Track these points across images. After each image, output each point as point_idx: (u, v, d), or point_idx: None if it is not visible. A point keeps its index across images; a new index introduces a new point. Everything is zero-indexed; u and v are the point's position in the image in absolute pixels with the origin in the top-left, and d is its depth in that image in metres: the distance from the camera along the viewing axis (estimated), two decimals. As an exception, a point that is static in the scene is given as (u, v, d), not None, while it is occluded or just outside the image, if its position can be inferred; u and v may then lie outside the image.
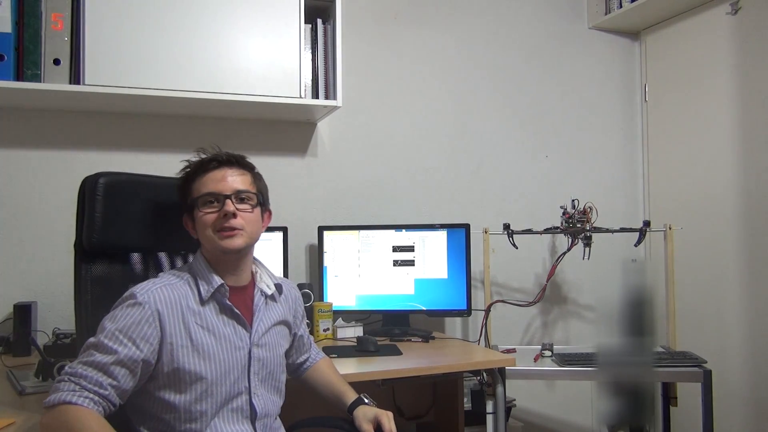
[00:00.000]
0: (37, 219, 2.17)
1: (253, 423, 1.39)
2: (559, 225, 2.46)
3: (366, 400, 1.52)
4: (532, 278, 2.83)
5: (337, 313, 2.31)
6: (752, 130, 2.51)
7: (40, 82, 1.91)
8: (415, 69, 2.71)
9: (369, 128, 2.64)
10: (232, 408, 1.36)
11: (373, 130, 2.64)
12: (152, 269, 1.52)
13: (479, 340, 2.47)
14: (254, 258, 1.49)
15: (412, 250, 2.39)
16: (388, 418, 1.45)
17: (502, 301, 2.59)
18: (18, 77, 1.89)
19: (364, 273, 2.38)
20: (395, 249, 2.39)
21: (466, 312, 2.38)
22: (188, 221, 1.43)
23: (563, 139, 2.94)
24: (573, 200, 2.45)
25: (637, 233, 2.40)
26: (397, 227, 2.41)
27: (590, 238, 2.40)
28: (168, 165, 2.27)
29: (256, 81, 2.14)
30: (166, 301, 1.30)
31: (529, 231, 2.49)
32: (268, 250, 2.23)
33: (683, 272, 2.61)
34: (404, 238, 2.39)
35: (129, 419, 1.33)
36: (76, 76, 1.95)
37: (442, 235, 2.39)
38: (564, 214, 2.45)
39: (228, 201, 1.36)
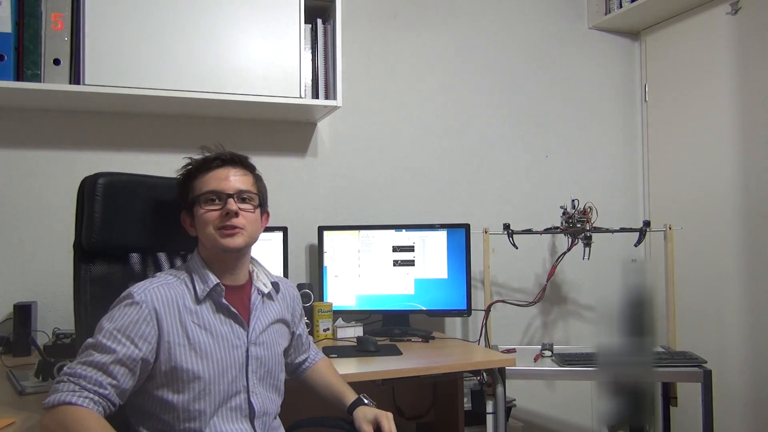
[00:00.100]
0: (38, 219, 2.17)
1: (252, 422, 1.39)
2: (559, 225, 2.46)
3: (365, 401, 1.52)
4: (532, 278, 2.83)
5: (337, 313, 2.31)
6: (752, 130, 2.51)
7: (40, 82, 1.91)
8: (415, 69, 2.71)
9: (369, 128, 2.64)
10: (231, 407, 1.36)
11: (373, 130, 2.64)
12: (151, 269, 1.53)
13: (479, 340, 2.47)
14: (251, 257, 1.49)
15: (412, 250, 2.39)
16: (387, 420, 1.45)
17: (502, 301, 2.59)
18: (18, 77, 1.90)
19: (364, 273, 2.38)
20: (395, 249, 2.39)
21: (466, 312, 2.38)
22: (186, 218, 1.43)
23: (563, 139, 2.94)
24: (573, 200, 2.45)
25: (637, 233, 2.40)
26: (397, 227, 2.41)
27: (590, 238, 2.40)
28: (168, 165, 2.28)
29: (256, 81, 2.14)
30: (163, 299, 1.30)
31: (529, 231, 2.49)
32: (268, 250, 2.23)
33: (683, 272, 2.61)
34: (404, 238, 2.39)
35: (128, 419, 1.33)
36: (76, 76, 1.95)
37: (442, 235, 2.39)
38: (564, 214, 2.45)
39: (230, 200, 1.37)
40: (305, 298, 2.26)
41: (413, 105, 2.70)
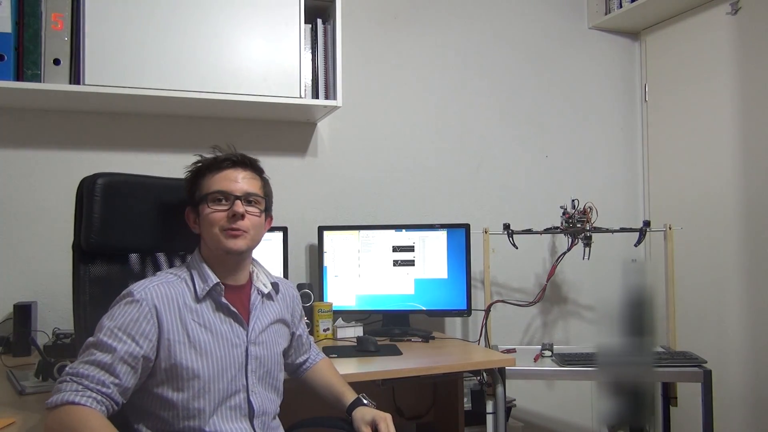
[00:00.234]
0: (38, 219, 2.17)
1: (251, 421, 1.39)
2: (559, 225, 2.46)
3: (365, 401, 1.52)
4: (532, 278, 2.83)
5: (337, 313, 2.31)
6: (752, 129, 2.51)
7: (40, 82, 1.91)
8: (415, 69, 2.71)
9: (369, 128, 2.64)
10: (230, 406, 1.36)
11: (373, 130, 2.64)
12: (150, 269, 1.53)
13: (479, 340, 2.47)
14: (252, 258, 1.50)
15: (412, 250, 2.39)
16: (385, 423, 1.44)
17: (502, 301, 2.59)
18: (18, 77, 1.89)
19: (364, 273, 2.38)
20: (395, 249, 2.39)
21: (466, 312, 2.38)
22: (191, 215, 1.44)
23: (563, 139, 2.94)
24: (573, 200, 2.45)
25: (637, 233, 2.40)
26: (397, 227, 2.41)
27: (590, 238, 2.40)
28: (167, 165, 2.31)
29: (256, 81, 2.14)
30: (163, 297, 1.31)
31: (529, 231, 2.49)
32: (268, 250, 2.23)
33: (683, 272, 2.61)
34: (404, 238, 2.39)
35: (127, 418, 1.33)
36: (76, 76, 1.95)
37: (442, 235, 2.39)
38: (564, 214, 2.45)
39: (238, 202, 1.37)
40: (305, 298, 2.26)
41: (413, 105, 2.70)
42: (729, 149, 2.59)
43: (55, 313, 2.15)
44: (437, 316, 2.52)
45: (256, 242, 1.43)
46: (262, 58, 2.14)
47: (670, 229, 2.44)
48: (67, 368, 1.24)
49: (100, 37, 1.96)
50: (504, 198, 2.83)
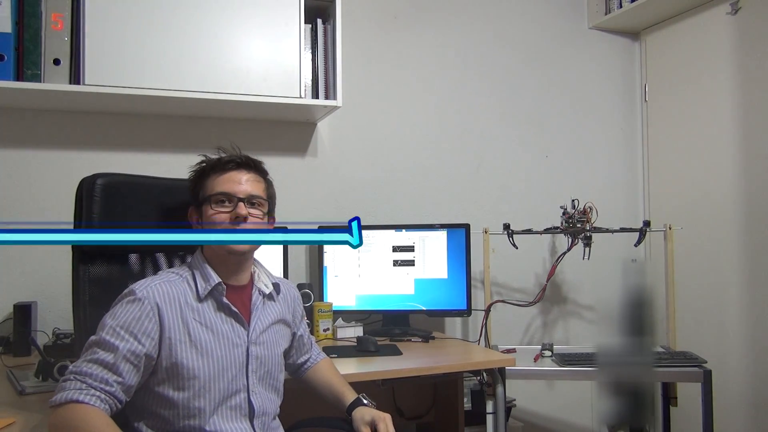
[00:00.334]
0: (37, 219, 2.16)
1: (251, 421, 1.39)
2: (559, 225, 2.46)
3: (365, 401, 1.51)
4: (532, 278, 2.83)
5: (337, 313, 2.31)
6: (752, 129, 2.51)
7: (40, 82, 1.92)
8: (415, 69, 2.71)
9: (369, 128, 2.63)
10: (231, 405, 1.36)
11: (373, 130, 2.64)
12: (150, 269, 1.53)
13: (479, 340, 2.47)
14: (253, 258, 1.50)
15: (412, 250, 2.39)
16: (385, 424, 1.44)
17: (502, 301, 2.59)
18: (18, 77, 1.90)
19: (364, 273, 2.38)
20: (395, 249, 2.39)
21: (466, 312, 2.38)
22: (194, 214, 1.44)
23: (563, 139, 2.94)
24: (573, 200, 2.45)
25: (637, 233, 2.40)
26: (397, 227, 2.41)
27: (590, 238, 2.40)
28: (167, 165, 2.31)
29: (256, 81, 2.14)
30: (164, 296, 1.31)
31: (529, 231, 2.49)
32: (268, 250, 2.22)
33: (683, 272, 2.61)
34: (404, 238, 2.39)
35: (127, 416, 1.33)
36: (76, 76, 1.95)
37: (442, 235, 2.39)
38: (564, 214, 2.45)
39: (241, 204, 1.38)
40: (305, 298, 2.25)
41: (413, 105, 2.70)
42: (729, 149, 2.59)
43: (55, 313, 2.15)
44: (437, 316, 2.52)
45: (258, 244, 1.43)
46: (262, 58, 2.14)
47: (670, 229, 2.44)
48: (70, 367, 1.24)
49: (100, 37, 1.96)
50: (504, 198, 2.83)
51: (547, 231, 2.49)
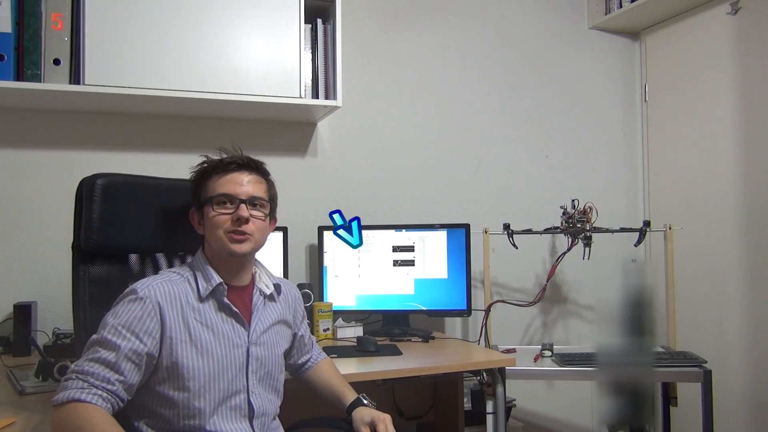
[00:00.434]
0: (38, 219, 2.17)
1: (251, 421, 1.39)
2: (559, 225, 2.46)
3: (365, 401, 1.51)
4: (532, 278, 2.83)
5: (337, 313, 2.31)
6: (752, 130, 2.51)
7: (40, 82, 1.91)
8: (415, 69, 2.71)
9: (369, 128, 2.63)
10: (230, 406, 1.36)
11: (373, 130, 2.64)
12: (150, 270, 1.53)
13: (479, 340, 2.47)
14: (254, 259, 1.50)
15: (412, 250, 2.39)
16: (384, 425, 1.43)
17: (502, 301, 2.59)
18: (18, 77, 1.90)
19: (364, 273, 2.38)
20: (395, 249, 2.38)
21: (466, 312, 2.38)
22: (195, 215, 1.44)
23: (563, 139, 2.94)
24: (573, 200, 2.45)
25: (637, 233, 2.40)
26: (397, 227, 2.41)
27: (590, 238, 2.40)
28: (167, 165, 2.31)
29: (256, 81, 2.14)
30: (166, 295, 1.31)
31: (529, 231, 2.49)
32: (268, 250, 2.22)
33: (683, 272, 2.61)
34: (404, 238, 2.39)
35: (127, 415, 1.33)
36: (76, 76, 1.95)
37: (442, 235, 2.39)
38: (564, 214, 2.45)
39: (243, 206, 1.38)
40: (305, 298, 2.25)
41: (413, 105, 2.70)
42: (729, 149, 2.59)
43: (55, 313, 2.15)
44: (437, 316, 2.52)
45: (260, 245, 1.44)
46: (262, 58, 2.14)
47: (670, 229, 2.44)
48: (72, 366, 1.25)
49: (100, 37, 1.96)
50: (504, 198, 2.83)
51: (547, 231, 2.49)
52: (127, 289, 1.32)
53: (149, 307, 1.28)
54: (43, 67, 1.92)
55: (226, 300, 1.38)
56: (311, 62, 2.28)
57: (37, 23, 1.91)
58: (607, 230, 2.42)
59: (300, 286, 2.29)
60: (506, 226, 2.47)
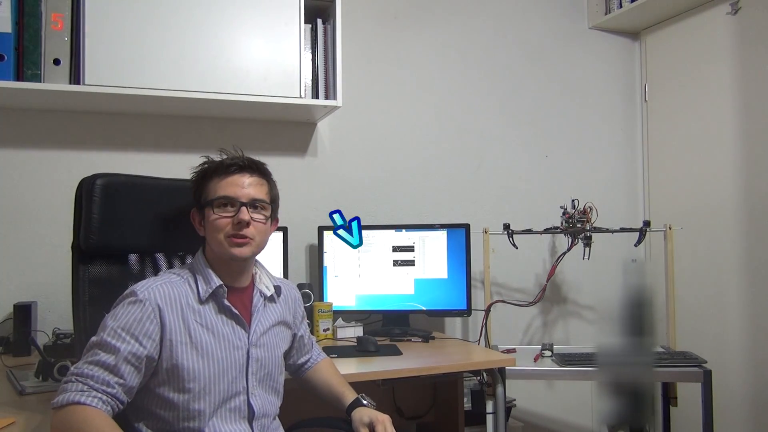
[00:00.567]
0: (38, 219, 2.17)
1: (250, 423, 1.39)
2: (559, 225, 2.46)
3: (364, 401, 1.51)
4: (532, 278, 2.83)
5: (337, 313, 2.31)
6: (752, 129, 2.51)
7: (40, 82, 1.91)
8: (415, 69, 2.71)
9: (369, 128, 2.63)
10: (230, 408, 1.36)
11: (373, 130, 2.64)
12: (150, 270, 1.53)
13: (479, 340, 2.47)
14: (255, 260, 1.49)
15: (412, 250, 2.39)
16: (383, 427, 1.43)
17: (502, 301, 2.59)
18: (18, 77, 1.89)
19: (364, 273, 2.38)
20: (395, 249, 2.38)
21: (466, 312, 2.38)
22: (196, 216, 1.43)
23: (563, 139, 2.94)
24: (573, 200, 2.45)
25: (637, 233, 2.40)
26: (397, 227, 2.41)
27: (590, 238, 2.40)
28: (167, 165, 2.31)
29: (256, 81, 2.14)
30: (166, 297, 1.31)
31: (529, 231, 2.49)
32: (268, 250, 2.21)
33: (683, 272, 2.61)
34: (404, 238, 2.39)
35: (127, 416, 1.33)
36: (76, 76, 1.95)
37: (442, 235, 2.39)
38: (564, 214, 2.45)
39: (243, 209, 1.36)
40: (305, 298, 2.25)
41: (413, 105, 2.70)
42: (729, 149, 2.59)
43: (55, 313, 2.15)
44: (437, 316, 2.52)
45: (261, 248, 1.43)
46: (262, 58, 2.14)
47: (670, 229, 2.44)
48: (71, 368, 1.24)
49: (100, 37, 1.96)
50: (504, 198, 2.83)
51: (547, 231, 2.49)
52: (126, 291, 1.31)
53: (149, 310, 1.27)
54: (43, 67, 1.92)
55: (226, 302, 1.38)
56: (311, 62, 2.28)
57: (37, 23, 1.91)
58: (607, 230, 2.42)
59: (300, 286, 2.29)
60: (506, 226, 2.47)
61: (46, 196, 2.18)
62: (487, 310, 2.45)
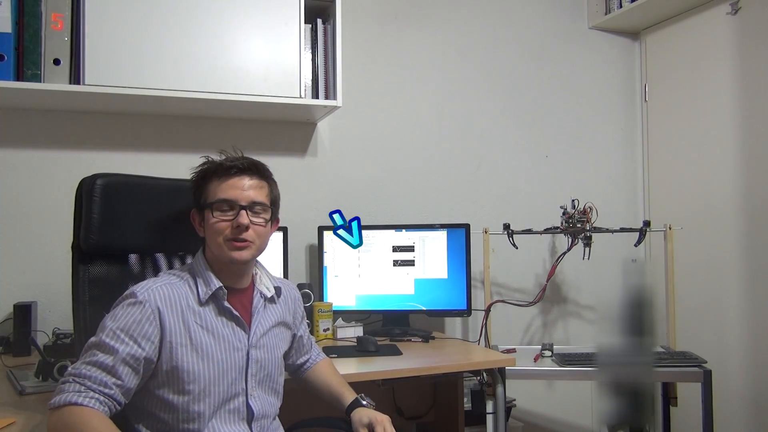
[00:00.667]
0: (38, 219, 2.17)
1: (249, 424, 1.39)
2: (559, 225, 2.46)
3: (363, 402, 1.51)
4: (532, 278, 2.83)
5: (337, 313, 2.31)
6: (752, 129, 2.51)
7: (40, 82, 1.91)
8: (415, 69, 2.71)
9: (369, 128, 2.63)
10: (229, 409, 1.36)
11: (373, 130, 2.64)
12: (150, 270, 1.53)
13: (479, 340, 2.47)
14: (255, 260, 1.49)
15: (412, 250, 2.39)
16: (383, 428, 1.43)
17: (502, 301, 2.59)
18: (18, 77, 1.89)
19: (364, 273, 2.38)
20: (395, 249, 2.38)
21: (466, 312, 2.38)
22: (196, 217, 1.43)
23: (563, 139, 2.94)
24: (573, 200, 2.45)
25: (637, 233, 2.40)
26: (397, 227, 2.41)
27: (590, 238, 2.40)
28: (167, 165, 2.31)
29: (256, 81, 2.14)
30: (166, 299, 1.30)
31: (529, 231, 2.49)
32: (267, 251, 2.21)
33: (683, 272, 2.61)
34: (404, 238, 2.39)
35: (127, 417, 1.33)
36: (76, 76, 1.95)
37: (442, 235, 2.39)
38: (564, 214, 2.45)
39: (243, 212, 1.36)
40: (305, 298, 2.25)
41: (413, 105, 2.70)
42: (729, 149, 2.59)
43: (55, 313, 2.15)
44: (437, 316, 2.52)
45: (261, 250, 1.42)
46: (262, 58, 2.14)
47: (670, 229, 2.44)
48: (69, 369, 1.24)
49: (100, 37, 1.96)
50: (504, 198, 2.83)
51: (547, 231, 2.49)
52: (126, 292, 1.31)
53: (148, 312, 1.27)
54: (43, 67, 1.92)
55: (226, 304, 1.38)
56: (311, 62, 2.28)
57: (37, 23, 1.91)
58: (607, 230, 2.42)
59: (300, 286, 2.29)
60: (506, 226, 2.47)
61: (46, 196, 2.18)
62: (487, 310, 2.45)
